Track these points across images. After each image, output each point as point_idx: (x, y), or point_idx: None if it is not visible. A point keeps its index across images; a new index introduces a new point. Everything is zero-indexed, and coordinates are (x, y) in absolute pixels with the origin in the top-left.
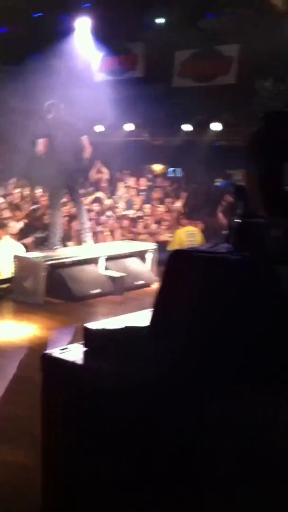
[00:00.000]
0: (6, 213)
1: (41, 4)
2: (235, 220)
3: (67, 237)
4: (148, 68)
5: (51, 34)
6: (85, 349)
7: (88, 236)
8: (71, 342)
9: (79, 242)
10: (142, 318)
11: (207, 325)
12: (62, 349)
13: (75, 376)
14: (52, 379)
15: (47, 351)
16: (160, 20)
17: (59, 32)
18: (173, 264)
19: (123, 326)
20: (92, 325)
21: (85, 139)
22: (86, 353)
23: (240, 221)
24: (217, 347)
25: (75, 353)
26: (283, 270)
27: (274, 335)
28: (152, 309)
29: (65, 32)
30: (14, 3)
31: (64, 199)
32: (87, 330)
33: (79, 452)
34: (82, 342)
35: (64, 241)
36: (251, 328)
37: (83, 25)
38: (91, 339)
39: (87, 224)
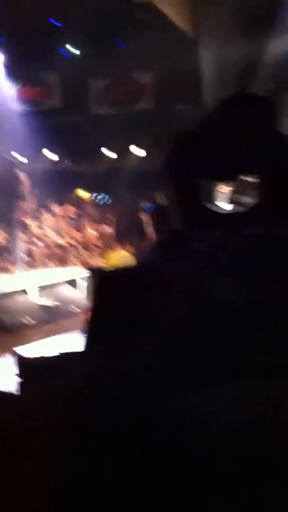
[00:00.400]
0: None
1: None
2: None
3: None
4: (64, 97)
5: None
6: (18, 379)
7: (19, 266)
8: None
9: (9, 271)
10: (69, 342)
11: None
12: None
13: (9, 409)
14: None
15: None
16: (73, 50)
17: None
18: (98, 286)
19: (56, 353)
20: (24, 353)
21: (22, 175)
22: (20, 384)
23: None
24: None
25: (6, 386)
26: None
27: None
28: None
29: None
30: None
31: None
32: (19, 358)
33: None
34: (15, 372)
35: None
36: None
37: None
38: (24, 367)
39: (16, 253)
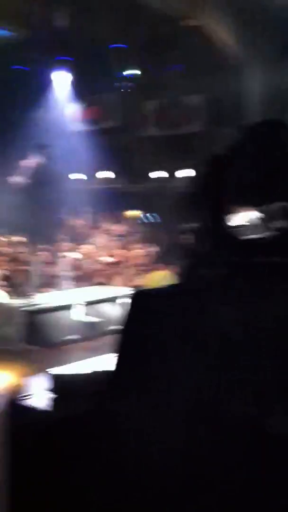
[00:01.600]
0: None
1: (20, 57)
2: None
3: (45, 283)
4: (121, 118)
5: (31, 86)
6: (52, 396)
7: (63, 283)
8: (42, 390)
9: (56, 288)
10: (106, 362)
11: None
12: (27, 396)
13: (40, 424)
14: (17, 427)
15: (13, 398)
16: (132, 72)
17: (39, 84)
18: (131, 305)
19: (88, 371)
20: (59, 371)
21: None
22: (52, 400)
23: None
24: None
25: (41, 400)
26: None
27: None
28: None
29: (44, 84)
30: None
31: (41, 245)
32: (53, 376)
33: (49, 498)
34: (49, 389)
35: (42, 287)
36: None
37: (61, 78)
38: (58, 385)
39: (63, 271)
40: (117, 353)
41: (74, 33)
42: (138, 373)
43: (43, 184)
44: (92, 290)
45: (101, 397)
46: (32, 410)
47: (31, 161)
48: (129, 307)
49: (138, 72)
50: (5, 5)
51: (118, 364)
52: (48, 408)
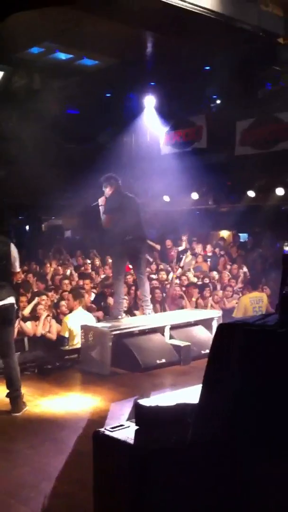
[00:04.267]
0: (74, 283)
1: (111, 84)
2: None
3: (134, 306)
4: (211, 138)
5: (121, 112)
6: (136, 427)
7: (149, 307)
8: (130, 416)
9: (145, 311)
10: (194, 393)
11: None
12: (113, 427)
13: (124, 455)
14: (103, 457)
15: (99, 429)
16: (222, 92)
17: (128, 110)
18: (219, 338)
19: (173, 403)
20: (144, 401)
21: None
22: (136, 432)
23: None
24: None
25: (125, 431)
26: None
27: None
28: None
29: (133, 109)
30: (87, 85)
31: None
32: (138, 406)
33: None
34: (133, 419)
35: (131, 310)
36: None
37: (149, 103)
38: (142, 416)
39: (148, 294)
40: (205, 386)
41: (165, 58)
42: (228, 409)
43: (124, 209)
44: (181, 312)
45: (186, 430)
46: (117, 440)
47: (107, 191)
48: (216, 340)
49: (229, 91)
50: (97, 36)
51: (206, 398)
52: (133, 439)
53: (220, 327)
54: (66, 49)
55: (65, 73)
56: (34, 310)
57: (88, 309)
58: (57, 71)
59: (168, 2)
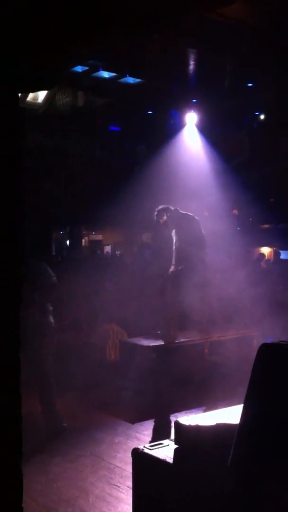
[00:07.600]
0: None
1: (153, 102)
2: None
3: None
4: (253, 154)
5: (162, 129)
6: (175, 446)
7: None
8: (169, 436)
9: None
10: (235, 413)
11: None
12: (153, 445)
13: (163, 474)
14: (142, 475)
15: (138, 447)
16: (263, 108)
17: (170, 127)
18: (261, 357)
19: (213, 423)
20: (184, 420)
21: None
22: (175, 451)
23: None
24: None
25: (164, 449)
26: None
27: None
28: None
29: (175, 126)
30: (129, 102)
31: None
32: (177, 425)
33: None
34: (174, 438)
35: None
36: None
37: (191, 119)
38: (181, 435)
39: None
40: (246, 406)
41: (208, 75)
42: (271, 430)
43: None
44: (224, 328)
45: (227, 451)
46: (156, 458)
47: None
48: (258, 360)
49: (273, 106)
50: (134, 55)
51: (248, 419)
52: (172, 458)
53: (263, 346)
54: (109, 67)
55: (107, 91)
56: None
57: None
58: (101, 88)
59: (213, 19)
